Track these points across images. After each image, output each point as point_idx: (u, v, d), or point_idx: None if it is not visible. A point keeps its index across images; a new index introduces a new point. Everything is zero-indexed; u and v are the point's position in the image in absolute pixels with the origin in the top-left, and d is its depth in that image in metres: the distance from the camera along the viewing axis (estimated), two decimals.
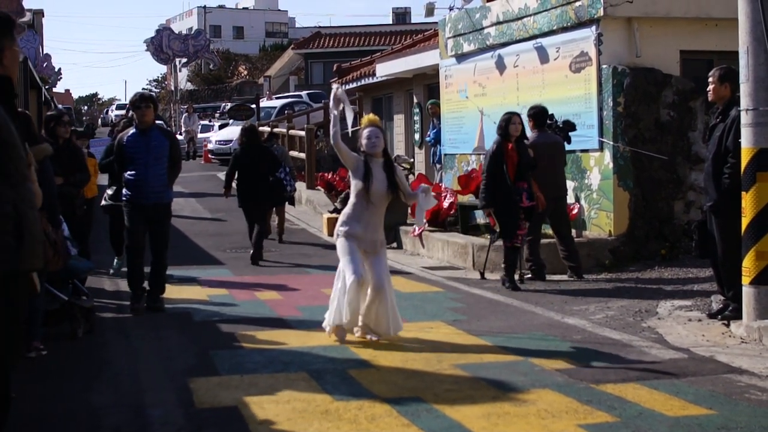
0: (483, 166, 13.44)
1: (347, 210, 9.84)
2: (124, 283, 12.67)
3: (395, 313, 9.77)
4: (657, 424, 6.68)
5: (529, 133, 13.69)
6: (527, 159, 13.08)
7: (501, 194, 12.91)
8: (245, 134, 17.69)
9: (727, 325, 9.98)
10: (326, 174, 24.18)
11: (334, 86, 9.90)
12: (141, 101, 11.95)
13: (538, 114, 13.89)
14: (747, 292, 9.59)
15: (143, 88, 77.53)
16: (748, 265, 9.53)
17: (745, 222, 9.55)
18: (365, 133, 9.84)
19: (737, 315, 9.87)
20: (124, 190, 12.07)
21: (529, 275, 13.67)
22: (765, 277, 9.44)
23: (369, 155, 9.75)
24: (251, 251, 16.59)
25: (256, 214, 17.01)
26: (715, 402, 7.23)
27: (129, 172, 11.88)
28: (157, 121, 12.66)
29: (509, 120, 13.01)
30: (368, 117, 10.16)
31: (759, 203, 9.41)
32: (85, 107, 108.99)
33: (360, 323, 9.68)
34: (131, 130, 12.09)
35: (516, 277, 13.46)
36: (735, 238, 9.74)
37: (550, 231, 15.70)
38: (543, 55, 16.40)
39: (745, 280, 9.58)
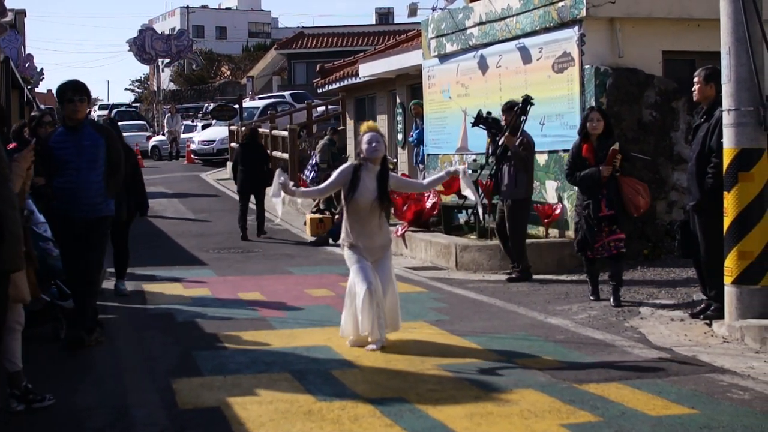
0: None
1: (344, 222, 9.69)
2: (109, 283, 12.66)
3: (395, 314, 9.76)
4: (640, 423, 6.70)
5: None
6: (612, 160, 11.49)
7: (583, 200, 11.72)
8: (249, 133, 21.46)
9: (710, 325, 10.02)
10: None
11: (279, 174, 9.67)
12: (75, 93, 9.71)
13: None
14: (729, 292, 9.63)
15: (126, 89, 77.49)
16: (730, 264, 9.57)
17: (727, 222, 9.58)
18: (366, 138, 9.53)
19: (719, 314, 9.90)
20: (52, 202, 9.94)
21: (514, 275, 13.66)
22: (747, 277, 9.49)
23: (366, 161, 9.47)
24: (245, 231, 19.73)
25: (255, 199, 20.24)
26: (697, 401, 7.26)
27: (58, 179, 9.66)
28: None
29: (586, 117, 11.79)
30: (368, 123, 9.94)
31: (741, 203, 9.45)
32: None
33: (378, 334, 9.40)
34: (58, 128, 10.01)
35: (504, 277, 13.56)
36: (717, 238, 9.77)
37: (535, 231, 15.74)
38: (526, 56, 16.41)
39: (727, 279, 9.62)
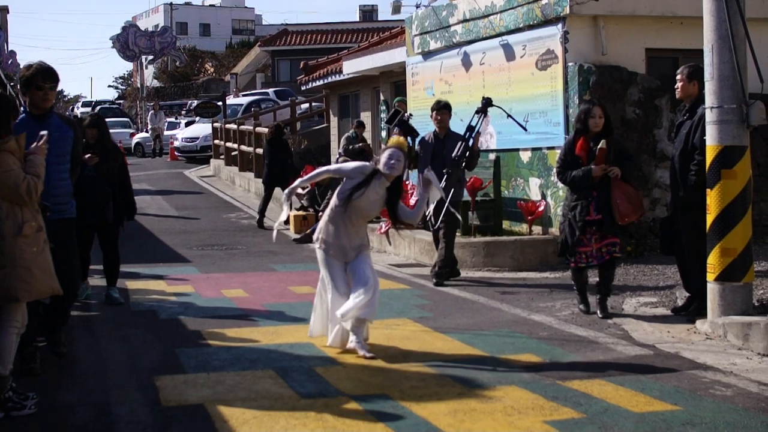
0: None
1: (325, 217, 9.31)
2: (92, 281, 12.61)
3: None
4: (622, 420, 6.72)
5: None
6: (605, 159, 10.57)
7: (570, 202, 10.84)
8: (275, 129, 22.95)
9: (692, 322, 10.04)
10: None
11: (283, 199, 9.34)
12: (45, 79, 8.47)
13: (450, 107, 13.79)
14: (711, 289, 9.65)
15: (109, 86, 77.29)
16: (713, 261, 9.59)
17: (709, 219, 9.61)
18: (387, 152, 9.15)
19: (702, 311, 9.93)
20: None
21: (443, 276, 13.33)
22: (729, 274, 9.51)
23: (380, 174, 9.10)
24: (262, 217, 21.44)
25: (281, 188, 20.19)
26: (680, 398, 7.27)
27: None
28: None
29: (588, 111, 10.69)
30: (397, 139, 9.55)
31: (724, 200, 9.48)
32: None
33: (352, 337, 9.06)
34: (20, 116, 8.30)
35: (488, 274, 13.50)
36: (700, 235, 9.80)
37: (518, 229, 15.78)
38: (509, 53, 16.43)
39: (710, 276, 9.65)
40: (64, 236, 8.65)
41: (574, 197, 10.76)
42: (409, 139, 13.58)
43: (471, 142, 13.21)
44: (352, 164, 9.48)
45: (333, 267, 9.17)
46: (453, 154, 13.09)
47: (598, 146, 10.58)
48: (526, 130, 14.64)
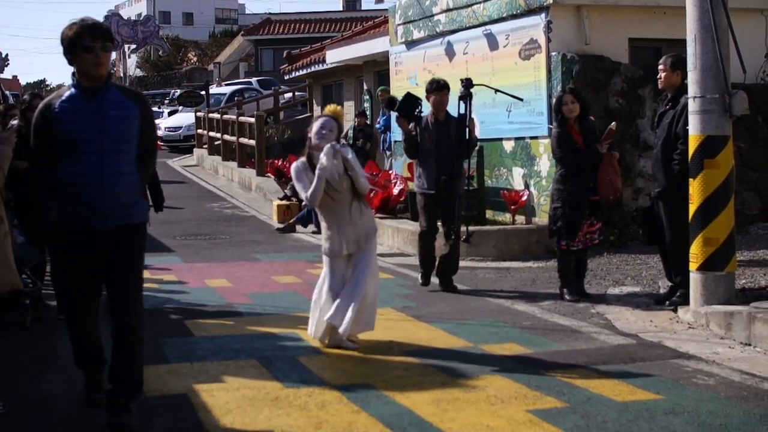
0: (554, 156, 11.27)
1: (322, 224, 8.97)
2: None
3: (371, 312, 8.99)
4: (605, 409, 6.73)
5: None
6: (594, 143, 11.00)
7: (568, 185, 10.96)
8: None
9: (675, 311, 10.07)
10: (276, 161, 24.27)
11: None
12: (94, 37, 6.31)
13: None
14: (694, 278, 9.68)
15: None
16: (696, 251, 9.62)
17: (692, 208, 9.63)
18: (320, 121, 8.72)
19: (685, 301, 9.96)
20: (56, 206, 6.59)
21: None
22: (712, 263, 9.54)
23: (313, 150, 8.71)
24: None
25: None
26: (662, 387, 7.29)
27: (67, 169, 6.36)
28: None
29: (560, 100, 11.06)
30: (330, 107, 9.05)
31: (706, 190, 9.50)
32: None
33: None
34: (66, 92, 6.49)
35: (471, 264, 13.49)
36: (683, 224, 9.82)
37: (502, 218, 15.78)
38: (492, 42, 16.43)
39: (693, 266, 9.67)
40: (129, 247, 6.55)
41: (570, 181, 10.91)
42: (412, 125, 12.19)
43: (467, 132, 12.08)
44: (294, 178, 8.90)
45: (334, 270, 8.90)
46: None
47: (609, 128, 11.12)
48: (521, 99, 14.28)
